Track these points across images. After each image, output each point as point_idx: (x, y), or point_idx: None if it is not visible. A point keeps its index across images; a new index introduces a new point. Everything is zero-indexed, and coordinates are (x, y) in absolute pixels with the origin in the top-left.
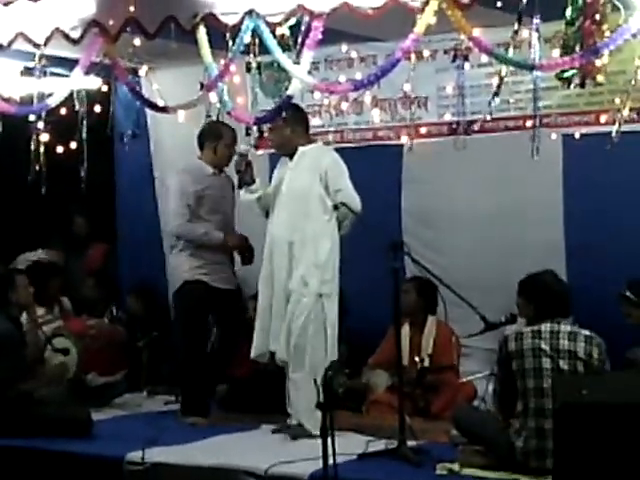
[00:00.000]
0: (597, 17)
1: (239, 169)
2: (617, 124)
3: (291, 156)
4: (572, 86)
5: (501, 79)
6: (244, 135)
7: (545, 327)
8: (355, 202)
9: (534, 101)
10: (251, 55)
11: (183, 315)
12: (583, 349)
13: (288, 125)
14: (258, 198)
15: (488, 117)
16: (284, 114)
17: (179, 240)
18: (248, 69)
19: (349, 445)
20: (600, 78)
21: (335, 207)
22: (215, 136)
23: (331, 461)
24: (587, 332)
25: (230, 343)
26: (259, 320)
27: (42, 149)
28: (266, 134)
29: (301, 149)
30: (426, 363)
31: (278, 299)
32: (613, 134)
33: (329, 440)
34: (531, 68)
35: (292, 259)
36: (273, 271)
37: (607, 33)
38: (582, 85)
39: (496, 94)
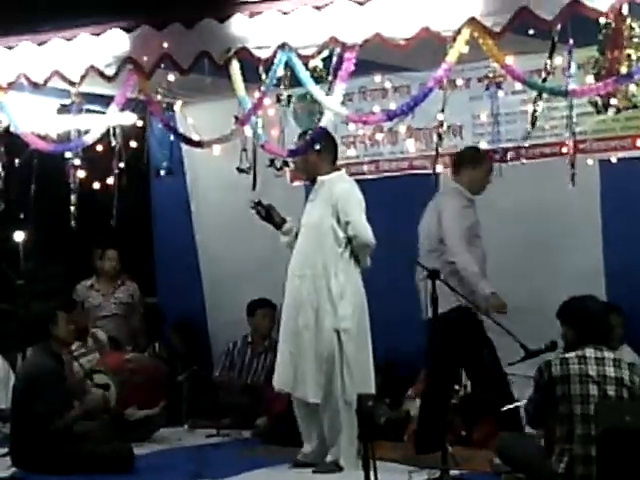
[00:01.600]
0: (620, 42)
1: (262, 217)
2: None
3: (312, 184)
4: (610, 112)
5: (535, 107)
6: (267, 166)
7: (590, 353)
8: (366, 234)
9: (570, 127)
10: (285, 88)
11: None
12: (628, 376)
13: (314, 151)
14: (295, 236)
15: (524, 144)
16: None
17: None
18: (278, 101)
19: (391, 476)
20: (614, 101)
21: (349, 239)
22: (474, 161)
23: None
24: (629, 359)
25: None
26: (280, 353)
27: (77, 185)
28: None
29: (320, 178)
30: (468, 390)
31: (288, 335)
32: None
33: (371, 471)
34: (565, 94)
35: (302, 293)
36: (288, 308)
37: (633, 58)
38: (618, 110)
39: (533, 123)
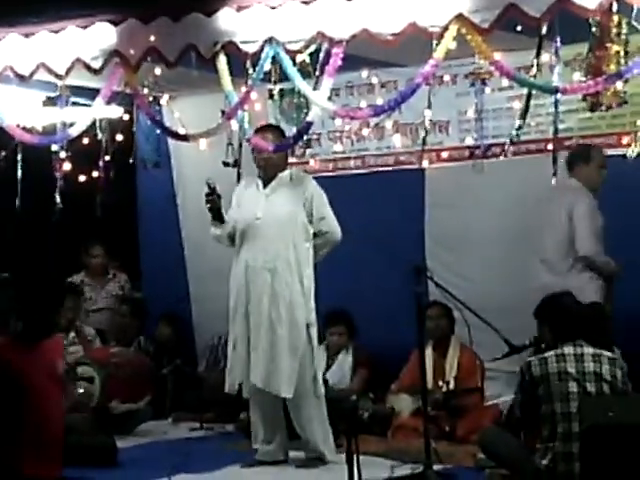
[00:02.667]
0: (607, 40)
1: (212, 205)
2: (633, 145)
3: (266, 181)
4: (603, 109)
5: (527, 103)
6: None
7: (569, 350)
8: (337, 230)
9: (554, 124)
10: (272, 82)
11: None
12: (608, 371)
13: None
14: (231, 229)
15: (499, 140)
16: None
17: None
18: (270, 96)
19: (374, 470)
20: (603, 99)
21: (314, 235)
22: (585, 158)
23: None
24: (610, 354)
25: None
26: (235, 352)
27: (64, 178)
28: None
29: (281, 174)
30: (451, 386)
31: (258, 329)
32: (628, 155)
33: (355, 466)
34: (554, 92)
35: (275, 287)
36: (249, 300)
37: (621, 55)
38: (609, 108)
39: (523, 118)
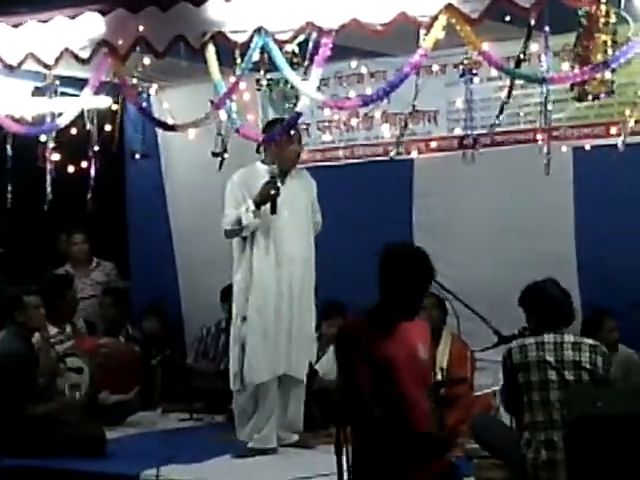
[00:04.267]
0: (595, 29)
1: (270, 194)
2: (623, 135)
3: (283, 173)
4: (588, 100)
5: (509, 93)
6: (256, 151)
7: (549, 338)
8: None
9: (544, 114)
10: (261, 72)
11: None
12: (588, 358)
13: (300, 142)
14: None
15: (491, 131)
16: (293, 131)
17: None
18: (259, 86)
19: None
20: (589, 89)
21: None
22: None
23: (346, 477)
24: (591, 341)
25: None
26: (265, 341)
27: (51, 168)
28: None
29: (295, 169)
30: (440, 377)
31: (295, 318)
32: (619, 145)
33: (344, 457)
34: (542, 81)
35: (304, 276)
36: (281, 291)
37: (609, 45)
38: (596, 97)
39: (502, 109)
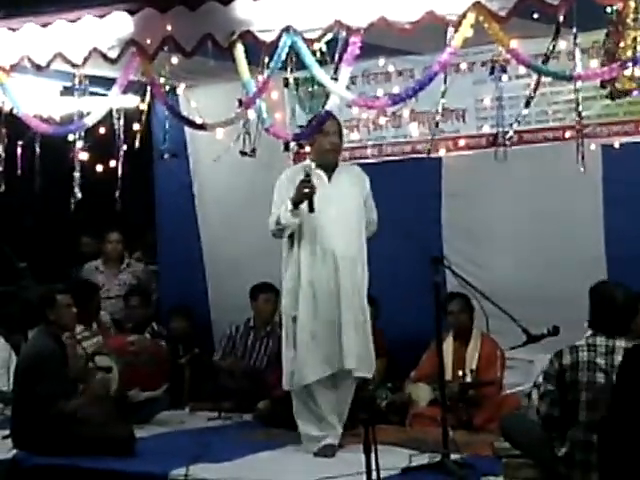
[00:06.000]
0: (625, 26)
1: (305, 193)
2: None
3: (328, 169)
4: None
5: (535, 89)
6: (283, 150)
7: (601, 341)
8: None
9: (577, 111)
10: (288, 71)
11: None
12: None
13: (336, 134)
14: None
15: (517, 128)
16: (334, 122)
17: None
18: (286, 85)
19: (392, 460)
20: (618, 86)
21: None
22: None
23: (375, 476)
24: None
25: None
26: (314, 341)
27: (80, 168)
28: (307, 147)
29: (341, 164)
30: (469, 378)
31: (349, 316)
32: None
33: (372, 455)
34: (569, 79)
35: (355, 275)
36: (338, 290)
37: (638, 41)
38: (626, 94)
39: (527, 104)
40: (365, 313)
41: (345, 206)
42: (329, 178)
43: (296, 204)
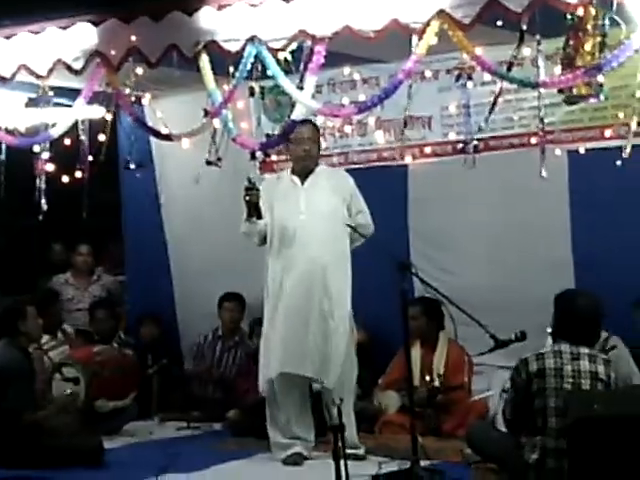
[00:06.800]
0: (584, 32)
1: (251, 202)
2: (629, 139)
3: (302, 175)
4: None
5: (498, 96)
6: (249, 159)
7: (565, 348)
8: (371, 223)
9: (540, 118)
10: (253, 80)
11: None
12: (604, 370)
13: (318, 141)
14: (264, 226)
15: (483, 135)
16: (307, 128)
17: None
18: (251, 94)
19: (362, 467)
20: (575, 91)
21: (353, 229)
22: None
23: None
24: (604, 355)
25: None
26: (283, 343)
27: (45, 179)
28: (273, 156)
29: (316, 170)
30: (437, 383)
31: (316, 323)
32: (627, 150)
33: (342, 462)
34: (534, 86)
35: (326, 281)
36: (306, 293)
37: (597, 48)
38: (578, 101)
39: (490, 111)
40: (339, 321)
41: (318, 211)
42: (302, 184)
43: (249, 212)
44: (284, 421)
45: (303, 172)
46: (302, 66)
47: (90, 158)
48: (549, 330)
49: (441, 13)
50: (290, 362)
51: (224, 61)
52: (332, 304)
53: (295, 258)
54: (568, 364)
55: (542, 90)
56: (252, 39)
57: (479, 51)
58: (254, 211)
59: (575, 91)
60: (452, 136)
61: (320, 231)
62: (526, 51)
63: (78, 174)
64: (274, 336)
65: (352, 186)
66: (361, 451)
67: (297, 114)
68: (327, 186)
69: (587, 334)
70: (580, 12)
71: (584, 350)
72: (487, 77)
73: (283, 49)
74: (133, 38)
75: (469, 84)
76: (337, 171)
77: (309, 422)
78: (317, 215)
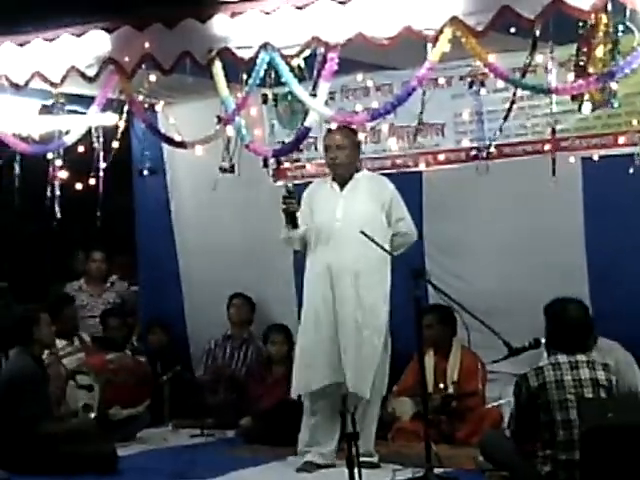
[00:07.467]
0: (596, 40)
1: (289, 210)
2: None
3: (342, 182)
4: (587, 109)
5: (512, 103)
6: (262, 167)
7: (562, 358)
8: (415, 230)
9: (552, 124)
10: (266, 87)
11: None
12: (604, 376)
13: (355, 147)
14: (304, 232)
15: (497, 142)
16: (337, 135)
17: None
18: (265, 101)
19: (376, 474)
20: (587, 97)
21: (392, 235)
22: None
23: None
24: (602, 360)
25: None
26: (310, 354)
27: (59, 186)
28: (286, 164)
29: (356, 175)
30: (450, 390)
31: (347, 332)
32: (636, 157)
33: (355, 470)
34: (547, 92)
35: (359, 289)
36: (334, 302)
37: (608, 55)
38: (594, 105)
39: (505, 118)
40: (374, 331)
41: (355, 218)
42: (341, 190)
43: (287, 220)
44: (313, 426)
45: (341, 178)
46: (315, 73)
47: (103, 165)
48: (543, 341)
49: (454, 20)
50: (323, 374)
51: (237, 68)
52: (365, 315)
53: (327, 265)
54: (568, 374)
55: (555, 97)
56: (265, 46)
57: (492, 58)
58: (291, 220)
59: (587, 98)
60: (465, 143)
61: (354, 238)
62: (539, 58)
63: (92, 181)
64: (307, 344)
65: (392, 192)
66: (375, 459)
67: (310, 121)
68: (366, 192)
69: (581, 341)
70: (592, 19)
71: (581, 358)
72: (500, 84)
73: (296, 56)
74: (147, 45)
75: (482, 91)
76: (377, 177)
77: (335, 430)
78: (353, 222)
